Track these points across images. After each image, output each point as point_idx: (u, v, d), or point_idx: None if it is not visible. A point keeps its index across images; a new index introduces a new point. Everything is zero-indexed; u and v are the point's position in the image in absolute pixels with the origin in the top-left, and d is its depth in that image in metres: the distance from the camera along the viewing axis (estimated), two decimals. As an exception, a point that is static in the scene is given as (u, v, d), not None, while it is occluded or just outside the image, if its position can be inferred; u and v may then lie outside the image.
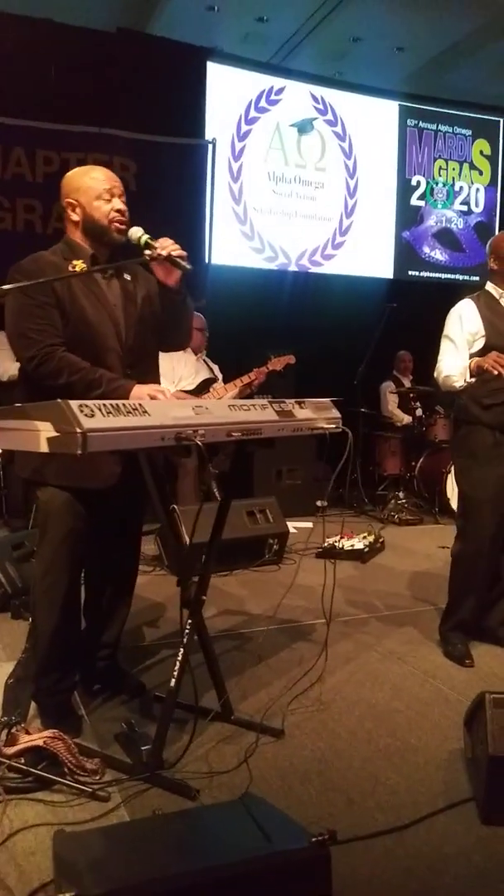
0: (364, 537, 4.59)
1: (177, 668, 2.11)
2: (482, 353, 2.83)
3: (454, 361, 2.82)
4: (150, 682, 2.61)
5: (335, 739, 2.29)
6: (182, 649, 2.13)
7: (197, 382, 4.82)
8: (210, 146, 6.02)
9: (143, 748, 2.09)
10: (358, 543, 4.52)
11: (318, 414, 2.41)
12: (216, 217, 6.12)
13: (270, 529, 4.24)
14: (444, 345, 2.92)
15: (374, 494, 6.12)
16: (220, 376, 5.00)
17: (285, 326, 6.17)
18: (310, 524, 5.49)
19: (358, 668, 2.85)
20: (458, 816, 1.90)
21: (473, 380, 2.73)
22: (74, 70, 5.50)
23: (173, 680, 2.10)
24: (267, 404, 2.23)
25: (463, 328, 2.85)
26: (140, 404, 1.79)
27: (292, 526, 5.31)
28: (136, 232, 2.30)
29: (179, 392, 4.69)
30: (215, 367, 5.08)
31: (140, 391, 2.15)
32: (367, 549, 4.49)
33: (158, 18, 6.84)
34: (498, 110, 7.29)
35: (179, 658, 2.11)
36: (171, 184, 5.84)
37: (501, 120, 7.30)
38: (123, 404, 1.75)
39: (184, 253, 2.27)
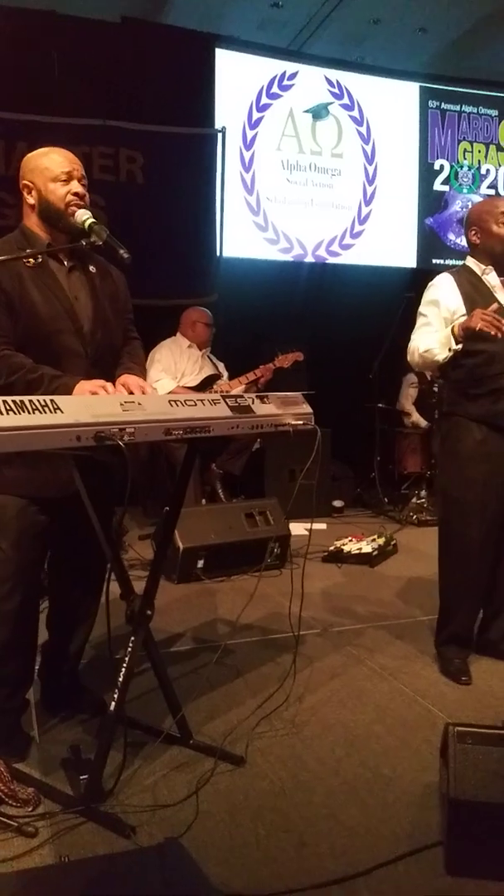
0: (373, 540, 4.34)
1: (117, 689, 1.92)
2: None
3: (431, 336, 2.57)
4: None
5: (300, 769, 2.07)
6: (124, 669, 1.94)
7: (200, 379, 4.64)
8: (220, 135, 5.82)
9: (81, 777, 1.91)
10: (366, 546, 4.27)
11: (284, 409, 2.21)
12: (228, 208, 5.91)
13: (271, 532, 4.03)
14: (420, 321, 2.67)
15: (396, 494, 5.84)
16: (224, 373, 4.81)
17: (301, 320, 5.94)
18: (324, 526, 5.26)
19: (342, 685, 2.62)
20: (420, 864, 1.67)
21: (460, 346, 2.46)
22: (78, 62, 5.36)
23: (113, 703, 1.92)
24: (220, 399, 2.03)
25: (441, 305, 2.59)
26: (52, 400, 1.61)
27: (304, 528, 5.09)
28: (83, 215, 2.15)
29: (182, 388, 4.52)
30: (220, 364, 4.89)
31: (83, 388, 1.98)
32: (375, 553, 4.24)
33: (170, 9, 6.69)
34: (526, 88, 6.92)
35: (121, 678, 1.93)
36: (179, 175, 5.66)
37: (530, 98, 6.92)
38: (31, 400, 1.57)
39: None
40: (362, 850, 1.72)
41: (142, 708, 2.35)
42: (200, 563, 3.81)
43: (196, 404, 1.94)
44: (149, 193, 5.57)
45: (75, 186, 2.15)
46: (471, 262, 2.66)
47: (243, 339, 5.50)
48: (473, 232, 2.63)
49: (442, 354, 2.51)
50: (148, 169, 5.58)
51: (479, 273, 2.61)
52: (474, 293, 2.58)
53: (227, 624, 3.29)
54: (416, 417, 5.95)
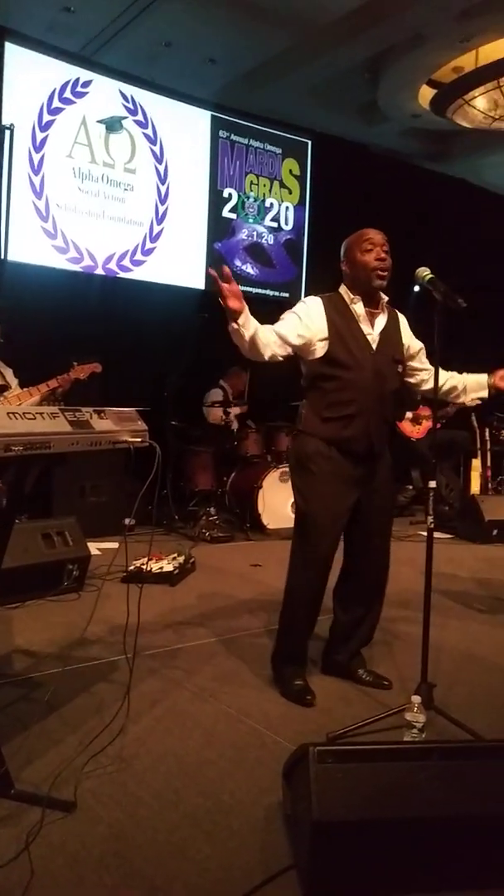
0: (174, 558, 4.31)
1: None
2: (322, 360, 2.63)
3: (284, 328, 2.60)
4: None
5: (137, 806, 1.96)
6: None
7: (-14, 389, 4.29)
8: (7, 132, 5.47)
9: None
10: (167, 565, 4.22)
11: (120, 426, 2.10)
12: (13, 210, 5.57)
13: (69, 553, 3.82)
14: (288, 316, 2.65)
15: (185, 511, 5.87)
16: (13, 382, 4.49)
17: (93, 332, 5.74)
18: (115, 545, 5.11)
19: (165, 711, 2.53)
20: (276, 891, 1.65)
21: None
22: None
23: None
24: (58, 412, 1.88)
25: (303, 319, 2.61)
26: None
27: (96, 547, 4.91)
28: None
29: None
30: (8, 372, 4.55)
31: None
32: (177, 571, 4.20)
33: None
34: (307, 132, 7.39)
35: None
36: (-42, 168, 5.24)
37: (310, 142, 7.40)
38: None
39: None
40: (218, 884, 1.66)
41: None
42: (-8, 590, 3.50)
43: (35, 418, 1.77)
44: None
45: None
46: (343, 289, 2.72)
47: (30, 348, 5.20)
48: (343, 262, 2.71)
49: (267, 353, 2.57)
50: None
51: (347, 301, 2.70)
52: (339, 319, 2.64)
53: (27, 654, 3.04)
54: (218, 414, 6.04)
